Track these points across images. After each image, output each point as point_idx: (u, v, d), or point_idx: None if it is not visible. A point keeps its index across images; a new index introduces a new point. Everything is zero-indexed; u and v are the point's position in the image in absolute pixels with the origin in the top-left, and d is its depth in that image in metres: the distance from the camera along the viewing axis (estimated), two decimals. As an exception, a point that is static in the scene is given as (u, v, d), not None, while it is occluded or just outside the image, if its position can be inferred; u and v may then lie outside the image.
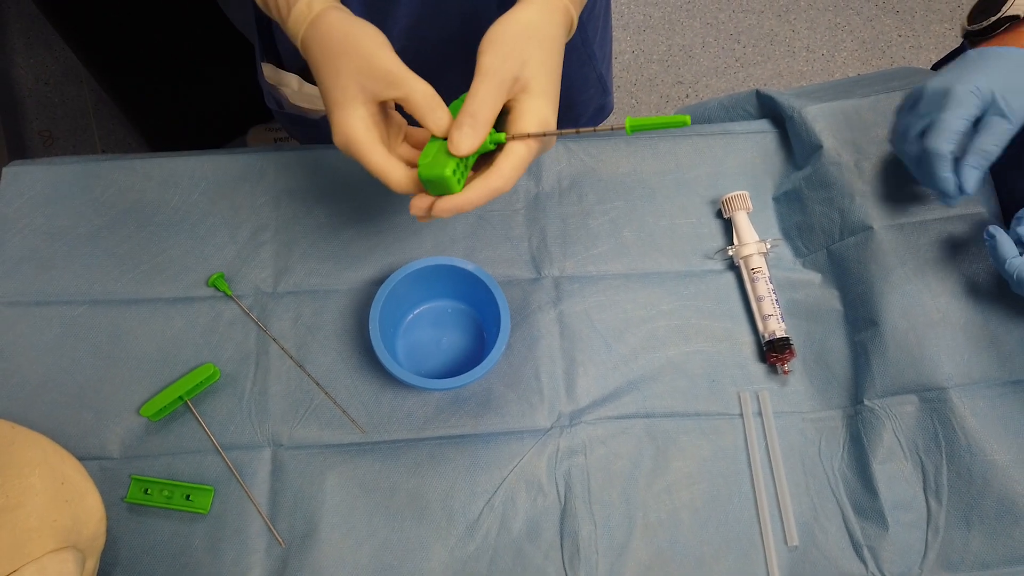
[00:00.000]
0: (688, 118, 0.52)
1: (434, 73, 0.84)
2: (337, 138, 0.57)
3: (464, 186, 0.56)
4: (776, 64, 2.05)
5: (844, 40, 2.08)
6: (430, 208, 0.57)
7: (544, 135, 0.55)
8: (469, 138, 0.54)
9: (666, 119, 0.53)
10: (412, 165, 0.58)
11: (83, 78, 1.92)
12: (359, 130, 0.56)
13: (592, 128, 0.56)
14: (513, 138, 0.55)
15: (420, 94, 0.56)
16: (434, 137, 0.57)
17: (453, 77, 0.85)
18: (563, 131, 0.57)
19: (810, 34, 2.08)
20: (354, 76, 0.56)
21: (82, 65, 1.71)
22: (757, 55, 2.05)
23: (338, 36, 0.57)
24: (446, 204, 0.55)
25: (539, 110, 0.56)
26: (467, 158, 0.56)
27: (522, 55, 0.55)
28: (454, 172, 0.55)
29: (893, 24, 2.10)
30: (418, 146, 0.63)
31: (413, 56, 0.81)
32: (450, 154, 0.55)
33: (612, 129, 0.56)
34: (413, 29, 0.77)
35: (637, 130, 0.54)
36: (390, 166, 0.57)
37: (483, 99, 0.54)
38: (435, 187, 0.56)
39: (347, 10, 0.60)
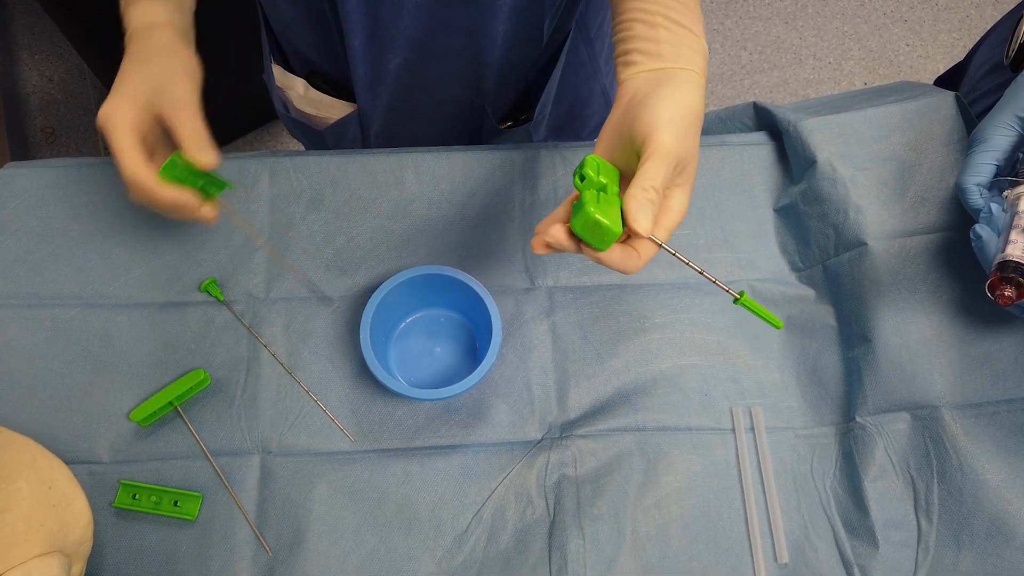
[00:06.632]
0: (780, 323, 0.56)
1: (437, 86, 0.84)
2: (100, 112, 0.60)
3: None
4: (782, 72, 2.04)
5: (851, 48, 2.07)
6: (561, 247, 0.52)
7: (676, 256, 0.53)
8: (649, 220, 0.50)
9: (766, 314, 0.55)
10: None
11: (87, 76, 1.92)
12: (121, 114, 0.60)
13: (714, 279, 0.55)
14: (650, 240, 0.53)
15: (189, 129, 0.61)
16: (588, 196, 0.51)
17: (456, 89, 0.85)
18: (691, 264, 0.54)
19: (817, 42, 2.08)
20: (151, 81, 0.61)
21: (86, 63, 1.72)
22: (763, 62, 2.05)
23: (163, 46, 0.63)
24: (598, 257, 0.52)
25: (683, 207, 0.54)
26: None
27: (691, 145, 0.52)
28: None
29: (901, 33, 2.09)
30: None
31: (416, 68, 0.80)
32: (615, 216, 0.51)
33: (729, 292, 0.55)
34: (417, 41, 0.76)
35: (743, 305, 0.55)
36: (132, 156, 0.60)
37: (663, 181, 0.50)
38: (590, 233, 0.51)
39: (185, 33, 0.66)
